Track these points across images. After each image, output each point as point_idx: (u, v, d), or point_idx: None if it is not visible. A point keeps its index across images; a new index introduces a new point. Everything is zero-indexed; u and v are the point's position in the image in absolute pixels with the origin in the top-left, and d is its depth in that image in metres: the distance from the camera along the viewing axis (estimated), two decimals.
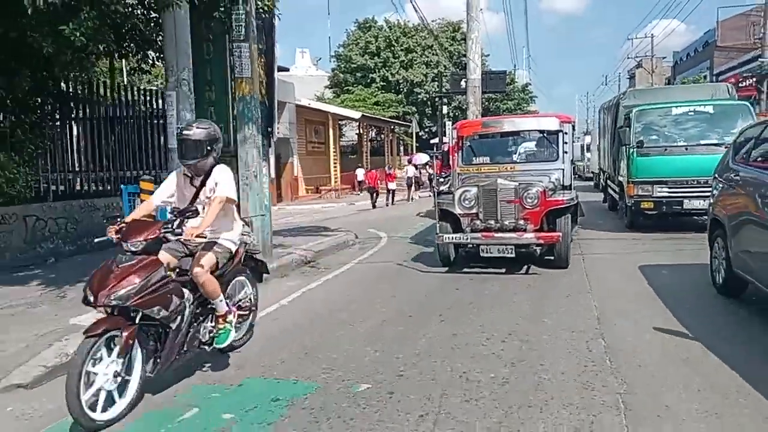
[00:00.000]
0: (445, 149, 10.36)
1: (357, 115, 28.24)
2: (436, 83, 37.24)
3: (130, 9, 5.35)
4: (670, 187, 9.32)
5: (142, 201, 5.15)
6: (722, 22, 46.47)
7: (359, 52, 39.50)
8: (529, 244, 6.66)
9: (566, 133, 7.61)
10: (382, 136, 37.53)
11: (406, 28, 40.22)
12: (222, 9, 5.97)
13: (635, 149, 9.64)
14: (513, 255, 6.60)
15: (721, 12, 47.01)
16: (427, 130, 41.05)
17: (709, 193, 6.34)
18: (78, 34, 4.54)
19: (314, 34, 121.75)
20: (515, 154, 8.17)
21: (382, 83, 39.33)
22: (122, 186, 5.61)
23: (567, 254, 6.79)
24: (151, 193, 5.08)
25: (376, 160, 32.44)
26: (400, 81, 39.43)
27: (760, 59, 29.84)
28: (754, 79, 31.36)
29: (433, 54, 39.64)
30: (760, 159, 5.04)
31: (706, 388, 3.34)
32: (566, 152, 7.58)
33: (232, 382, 3.77)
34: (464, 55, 36.14)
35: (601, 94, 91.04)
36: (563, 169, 7.51)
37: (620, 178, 11.07)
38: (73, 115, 7.92)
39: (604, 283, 6.15)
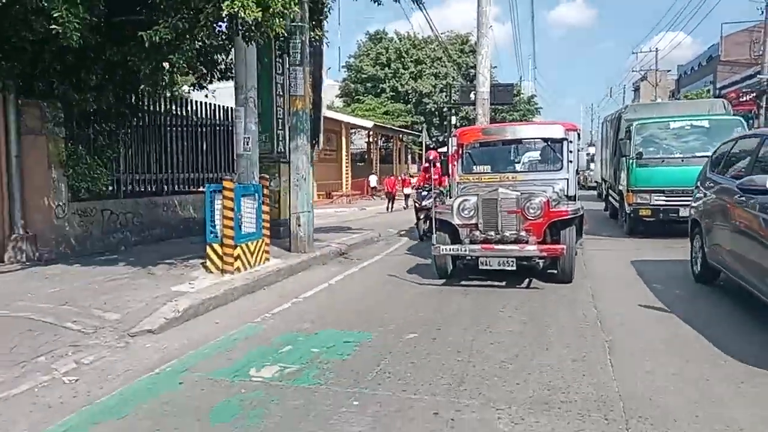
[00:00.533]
0: (430, 156, 10.06)
1: (369, 124, 29.52)
2: (444, 94, 38.64)
3: (220, 42, 6.60)
4: (666, 196, 9.96)
5: (224, 197, 6.35)
6: (726, 37, 47.59)
7: (370, 62, 40.87)
8: (531, 257, 6.45)
9: (571, 142, 7.47)
10: (391, 144, 38.87)
11: (415, 40, 41.59)
12: (282, 39, 7.20)
13: (635, 160, 10.33)
14: (514, 268, 6.36)
15: (725, 27, 47.96)
16: (434, 139, 42.31)
17: None
18: (179, 62, 5.79)
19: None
20: (517, 163, 8.08)
21: (391, 93, 40.67)
22: (207, 184, 6.75)
23: (571, 268, 6.53)
24: (232, 191, 6.33)
25: (385, 168, 33.71)
26: (409, 91, 40.76)
27: (759, 76, 31.04)
28: (754, 95, 32.57)
29: (441, 66, 41.01)
30: (729, 169, 6.17)
31: (676, 338, 4.52)
32: (571, 161, 7.46)
33: (309, 332, 4.98)
34: (472, 67, 37.50)
35: (606, 106, 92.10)
36: (568, 179, 7.42)
37: (620, 187, 11.71)
38: (141, 124, 9.18)
39: (599, 271, 7.31)
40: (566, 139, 7.46)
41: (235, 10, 5.18)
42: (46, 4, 5.27)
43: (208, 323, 5.24)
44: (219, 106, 10.80)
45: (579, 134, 7.84)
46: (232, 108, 11.26)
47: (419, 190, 10.56)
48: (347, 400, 3.50)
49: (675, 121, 10.79)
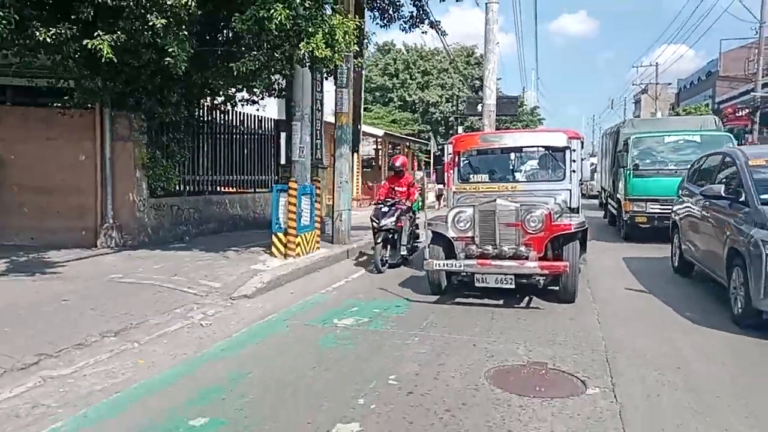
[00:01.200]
0: (396, 163, 8.98)
1: (380, 132, 31.10)
2: (450, 104, 40.36)
3: (290, 76, 8.22)
4: (661, 204, 10.64)
5: (289, 195, 7.87)
6: (725, 53, 49.09)
7: (379, 72, 42.56)
8: (531, 275, 6.07)
9: (574, 150, 7.09)
10: (398, 151, 40.47)
11: (423, 52, 43.29)
12: (332, 66, 8.74)
13: (632, 171, 11.22)
14: (512, 286, 6.04)
15: (724, 43, 49.54)
16: (440, 147, 43.96)
17: None
18: (260, 87, 7.34)
19: None
20: (517, 172, 7.80)
21: (399, 102, 42.36)
22: (274, 185, 8.30)
23: (574, 287, 6.19)
24: (295, 190, 7.86)
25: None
26: (416, 101, 42.45)
27: (752, 93, 32.68)
28: (748, 110, 34.21)
29: (448, 77, 42.75)
30: (700, 180, 7.64)
31: (648, 308, 6.05)
32: (574, 171, 7.10)
33: (365, 300, 6.50)
34: (477, 78, 39.13)
35: (607, 117, 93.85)
36: (570, 190, 7.11)
37: (618, 196, 12.67)
38: (200, 133, 10.72)
39: (595, 265, 8.75)
40: (569, 147, 7.08)
41: (310, 49, 6.72)
42: (159, 41, 6.78)
43: (285, 293, 6.76)
44: (263, 117, 12.37)
45: (582, 143, 7.46)
46: (271, 118, 12.85)
47: (379, 206, 8.47)
48: (409, 337, 5.02)
49: (669, 135, 11.79)
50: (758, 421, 3.37)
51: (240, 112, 11.63)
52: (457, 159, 7.55)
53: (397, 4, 11.66)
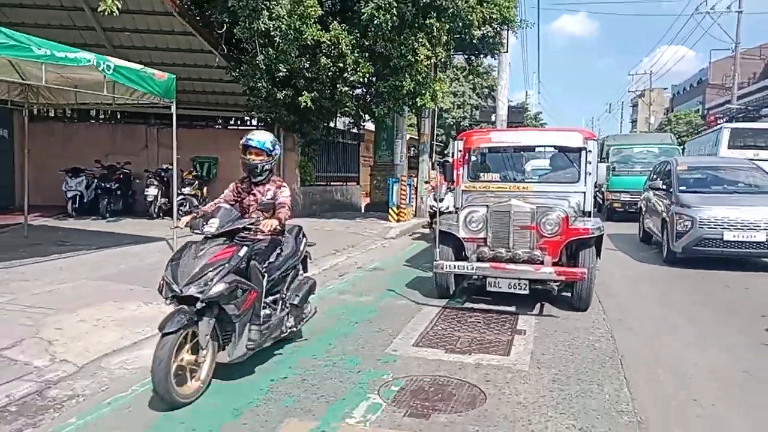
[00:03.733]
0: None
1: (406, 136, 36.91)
2: (462, 110, 46.19)
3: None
4: (630, 195, 15.73)
5: (400, 184, 13.57)
6: (714, 63, 54.89)
7: None
8: (546, 280, 5.97)
9: (590, 151, 6.92)
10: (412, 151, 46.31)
11: None
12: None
13: (611, 171, 16.90)
14: (527, 292, 5.98)
15: (713, 53, 55.29)
16: (443, 152, 49.94)
17: None
18: (383, 117, 13.04)
19: None
20: (529, 172, 7.83)
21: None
22: (389, 178, 13.99)
23: (589, 295, 6.10)
24: (404, 181, 13.59)
25: (411, 174, 41.06)
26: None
27: (727, 105, 38.58)
28: (725, 119, 40.12)
29: (459, 85, 48.57)
30: (655, 178, 11.79)
31: (616, 258, 11.29)
32: (590, 173, 6.92)
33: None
34: (485, 87, 44.96)
35: (606, 120, 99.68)
36: (585, 193, 6.95)
37: (603, 189, 18.23)
38: (321, 143, 16.48)
39: None
40: (585, 148, 6.91)
41: (423, 102, 12.42)
42: (337, 97, 12.42)
43: (407, 240, 12.42)
44: (347, 130, 18.12)
45: (598, 143, 7.29)
46: (352, 131, 18.60)
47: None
48: None
49: (637, 147, 17.97)
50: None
51: (333, 128, 17.37)
52: (467, 156, 7.40)
53: None
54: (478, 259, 6.14)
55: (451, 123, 50.13)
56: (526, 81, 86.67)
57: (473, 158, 7.62)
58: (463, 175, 7.39)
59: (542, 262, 5.93)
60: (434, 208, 8.06)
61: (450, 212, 8.13)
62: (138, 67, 7.65)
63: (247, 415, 3.59)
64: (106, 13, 9.29)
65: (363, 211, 17.58)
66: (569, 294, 6.24)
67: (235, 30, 10.82)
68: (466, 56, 16.93)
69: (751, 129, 15.93)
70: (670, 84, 73.35)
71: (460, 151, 7.42)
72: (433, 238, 6.92)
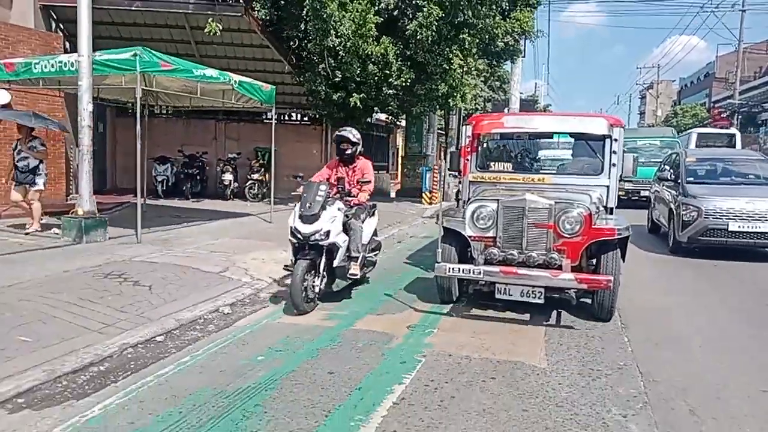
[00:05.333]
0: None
1: None
2: (473, 102, 48.49)
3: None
4: (633, 184, 16.76)
5: (432, 172, 16.10)
6: (720, 57, 56.83)
7: None
8: (565, 288, 5.35)
9: (616, 140, 6.35)
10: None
11: None
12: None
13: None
14: (542, 301, 5.31)
15: (721, 48, 56.97)
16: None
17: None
18: (419, 110, 15.58)
19: None
20: (546, 162, 7.37)
21: None
22: (422, 167, 16.54)
23: (613, 304, 5.41)
24: (436, 169, 16.14)
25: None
26: None
27: (729, 101, 40.83)
28: (727, 114, 42.43)
29: (472, 78, 50.92)
30: (664, 169, 11.64)
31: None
32: (614, 165, 6.37)
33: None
34: (496, 79, 47.40)
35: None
36: (608, 187, 6.41)
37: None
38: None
39: None
40: (610, 136, 6.38)
41: (454, 102, 14.92)
42: (381, 98, 14.91)
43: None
44: (379, 122, 20.64)
45: (624, 131, 6.67)
46: (383, 124, 21.12)
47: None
48: None
49: (640, 140, 20.17)
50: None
51: (370, 122, 19.87)
52: (476, 143, 6.85)
53: None
54: (486, 262, 5.46)
55: (464, 114, 52.60)
56: (536, 72, 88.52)
57: (483, 145, 7.04)
58: (471, 165, 6.87)
59: (560, 267, 5.23)
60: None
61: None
62: (252, 80, 10.19)
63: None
64: (211, 33, 11.90)
65: (395, 196, 20.15)
66: (588, 300, 5.69)
67: (308, 45, 13.31)
68: (488, 61, 19.36)
69: (712, 133, 23.45)
70: (678, 77, 74.88)
71: (469, 137, 6.94)
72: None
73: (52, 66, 8.61)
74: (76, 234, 8.11)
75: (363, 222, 6.32)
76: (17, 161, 8.96)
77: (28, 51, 11.19)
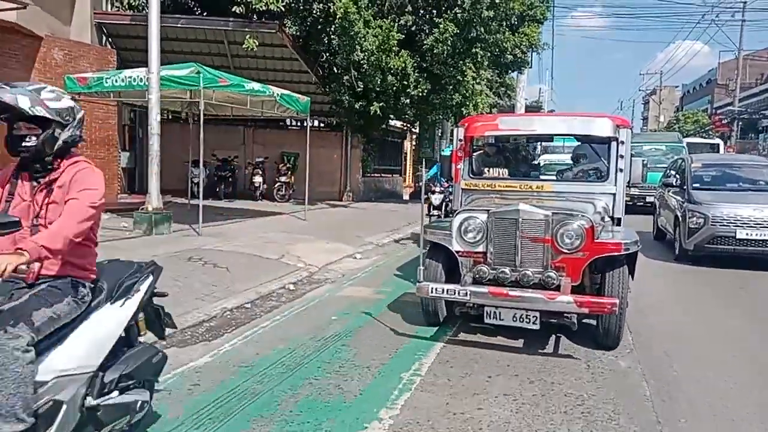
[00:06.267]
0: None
1: None
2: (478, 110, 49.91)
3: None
4: (639, 190, 15.64)
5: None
6: (723, 63, 58.00)
7: None
8: (563, 313, 4.63)
9: (623, 143, 5.83)
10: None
11: None
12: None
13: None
14: (537, 327, 4.67)
15: (723, 54, 58.20)
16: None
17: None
18: (434, 119, 16.89)
19: None
20: (545, 167, 6.76)
21: None
22: (434, 165, 17.89)
23: (620, 329, 4.75)
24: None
25: None
26: None
27: (728, 107, 42.04)
28: (727, 120, 43.65)
29: (477, 84, 52.34)
30: (669, 176, 11.39)
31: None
32: (621, 170, 5.83)
33: None
34: (500, 85, 48.72)
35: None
36: (615, 194, 5.86)
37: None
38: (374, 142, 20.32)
39: None
40: (616, 138, 5.83)
41: (467, 111, 16.23)
42: (400, 106, 16.22)
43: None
44: (393, 128, 21.95)
45: (632, 133, 6.13)
46: (397, 130, 22.44)
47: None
48: None
49: (646, 144, 20.69)
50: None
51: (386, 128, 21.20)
52: (469, 147, 6.34)
53: None
54: (475, 281, 4.88)
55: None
56: (540, 77, 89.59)
57: (477, 150, 6.52)
58: (463, 170, 6.28)
59: (558, 288, 4.63)
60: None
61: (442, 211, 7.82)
62: (290, 93, 11.52)
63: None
64: (249, 49, 13.22)
65: (408, 198, 21.46)
66: (593, 321, 4.89)
67: (335, 59, 14.67)
68: (497, 72, 20.72)
69: (699, 143, 25.36)
70: (681, 83, 76.08)
71: (461, 140, 6.35)
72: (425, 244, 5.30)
73: (122, 80, 9.95)
74: (147, 227, 9.42)
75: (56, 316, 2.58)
76: None
77: (87, 65, 12.48)
